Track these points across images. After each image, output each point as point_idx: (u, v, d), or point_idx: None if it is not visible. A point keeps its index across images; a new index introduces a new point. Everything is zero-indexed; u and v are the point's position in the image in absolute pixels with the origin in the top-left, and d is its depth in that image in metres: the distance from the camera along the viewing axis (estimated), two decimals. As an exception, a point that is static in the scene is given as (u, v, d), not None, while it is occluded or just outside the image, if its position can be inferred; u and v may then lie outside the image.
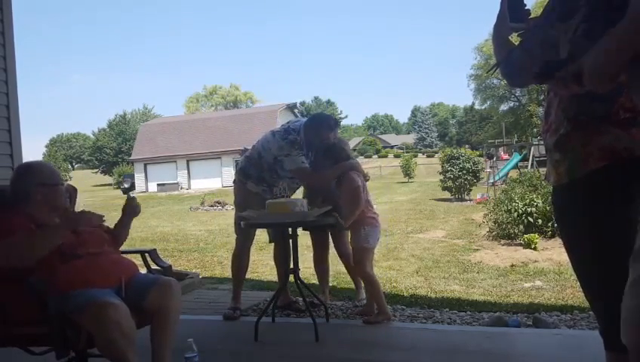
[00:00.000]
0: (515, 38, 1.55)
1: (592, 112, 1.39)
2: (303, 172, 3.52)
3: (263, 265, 5.93)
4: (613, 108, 1.37)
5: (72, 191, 2.60)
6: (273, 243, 3.86)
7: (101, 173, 50.51)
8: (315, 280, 4.35)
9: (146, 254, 2.60)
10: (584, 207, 1.43)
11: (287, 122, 3.79)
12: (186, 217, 14.81)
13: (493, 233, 8.41)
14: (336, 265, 4.21)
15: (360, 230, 3.35)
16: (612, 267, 1.40)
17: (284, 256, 3.58)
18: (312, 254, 3.97)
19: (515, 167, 20.86)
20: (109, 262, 2.21)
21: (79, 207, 2.68)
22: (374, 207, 3.63)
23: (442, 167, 16.49)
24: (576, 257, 1.50)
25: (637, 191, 1.36)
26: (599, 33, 1.38)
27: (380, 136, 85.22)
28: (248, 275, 4.31)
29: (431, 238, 8.98)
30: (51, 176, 2.32)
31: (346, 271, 4.04)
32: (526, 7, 1.56)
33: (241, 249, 3.72)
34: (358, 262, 3.40)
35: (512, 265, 6.36)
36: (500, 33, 1.58)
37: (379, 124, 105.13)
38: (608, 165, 1.36)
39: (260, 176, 3.61)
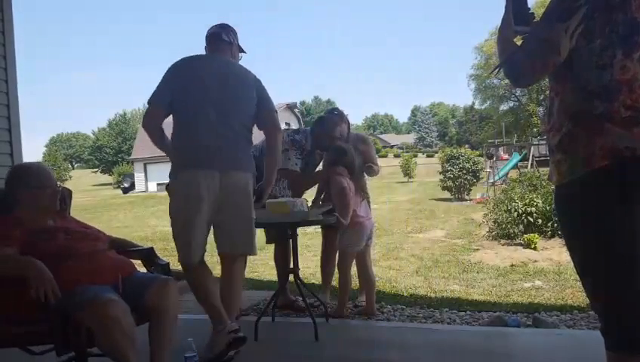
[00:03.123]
0: (519, 41, 1.56)
1: (592, 110, 1.39)
2: (289, 173, 3.55)
3: (262, 264, 5.92)
4: (614, 106, 1.37)
5: (67, 194, 2.59)
6: (274, 244, 3.86)
7: (101, 172, 50.54)
8: (315, 280, 4.35)
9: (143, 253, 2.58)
10: (586, 207, 1.43)
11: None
12: (186, 217, 14.76)
13: (493, 233, 8.40)
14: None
15: (346, 232, 3.45)
16: (614, 266, 1.40)
17: (284, 257, 3.58)
18: (311, 254, 3.97)
19: (515, 166, 20.84)
20: (105, 260, 2.21)
21: (75, 208, 2.68)
22: (370, 209, 3.66)
23: (442, 166, 16.49)
24: (577, 256, 1.50)
25: (638, 189, 1.36)
26: (598, 32, 1.39)
27: (379, 135, 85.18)
28: (248, 275, 4.31)
29: (431, 238, 8.98)
30: (37, 178, 2.30)
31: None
32: (530, 11, 1.57)
33: None
34: (340, 263, 3.53)
35: (512, 265, 6.35)
36: (504, 36, 1.60)
37: (379, 124, 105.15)
38: (610, 164, 1.36)
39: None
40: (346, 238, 3.47)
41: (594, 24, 1.39)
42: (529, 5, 1.59)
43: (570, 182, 1.45)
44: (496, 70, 1.59)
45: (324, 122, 3.65)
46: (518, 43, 1.56)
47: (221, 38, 2.81)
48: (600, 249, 1.42)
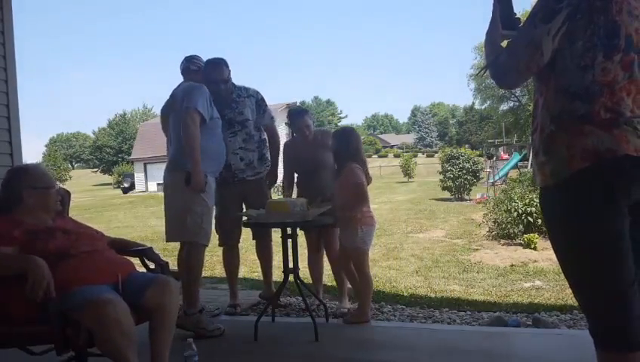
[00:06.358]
0: (505, 44, 1.59)
1: (573, 111, 1.41)
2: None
3: (262, 264, 5.92)
4: (595, 108, 1.39)
5: (65, 195, 2.59)
6: (256, 241, 3.83)
7: (101, 172, 50.52)
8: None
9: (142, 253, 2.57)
10: (569, 208, 1.45)
11: None
12: (186, 217, 14.73)
13: (493, 233, 8.41)
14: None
15: (357, 230, 3.30)
16: (597, 267, 1.41)
17: (285, 254, 3.58)
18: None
19: (515, 166, 20.86)
20: (103, 259, 2.21)
21: (75, 207, 2.68)
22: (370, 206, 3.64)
23: (442, 166, 16.48)
24: (564, 257, 1.52)
25: (620, 190, 1.38)
26: (580, 34, 1.41)
27: (379, 135, 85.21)
28: (248, 274, 4.31)
29: (431, 238, 8.98)
30: (42, 179, 2.31)
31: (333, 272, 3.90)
32: (516, 16, 1.61)
33: (225, 247, 3.76)
34: (360, 264, 3.34)
35: (512, 265, 6.36)
36: (491, 40, 1.63)
37: (379, 124, 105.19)
38: (591, 166, 1.38)
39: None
40: (360, 235, 3.30)
41: (576, 26, 1.41)
42: (515, 11, 1.62)
43: (553, 184, 1.46)
44: (484, 71, 1.61)
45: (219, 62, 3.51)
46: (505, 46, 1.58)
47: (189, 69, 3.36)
48: (583, 250, 1.43)
